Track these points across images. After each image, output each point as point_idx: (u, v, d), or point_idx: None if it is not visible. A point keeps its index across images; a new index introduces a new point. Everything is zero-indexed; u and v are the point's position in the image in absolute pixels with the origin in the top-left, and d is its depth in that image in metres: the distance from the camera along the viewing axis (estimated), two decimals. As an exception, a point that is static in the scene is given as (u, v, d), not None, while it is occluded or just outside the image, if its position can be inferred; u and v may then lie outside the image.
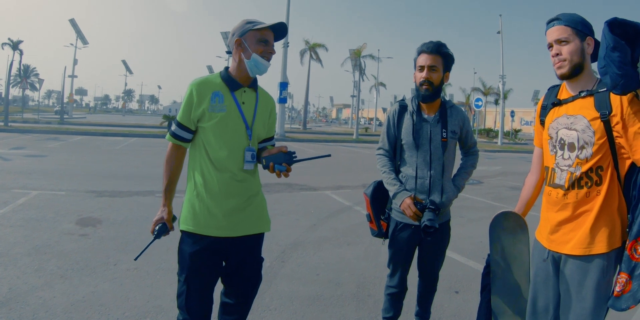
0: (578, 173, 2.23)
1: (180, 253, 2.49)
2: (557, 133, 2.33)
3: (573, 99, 2.30)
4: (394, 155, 3.15)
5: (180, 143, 2.53)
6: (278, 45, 29.61)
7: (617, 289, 2.09)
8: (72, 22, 41.49)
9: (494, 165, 18.01)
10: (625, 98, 2.10)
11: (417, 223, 2.91)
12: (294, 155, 2.49)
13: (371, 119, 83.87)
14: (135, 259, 2.73)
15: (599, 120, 2.16)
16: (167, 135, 2.55)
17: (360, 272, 4.76)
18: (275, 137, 2.78)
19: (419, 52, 3.01)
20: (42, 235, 5.51)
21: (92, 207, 7.18)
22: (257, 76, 2.61)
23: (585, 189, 2.22)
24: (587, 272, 2.20)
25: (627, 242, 2.11)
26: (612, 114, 2.13)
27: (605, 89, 2.16)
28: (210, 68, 68.12)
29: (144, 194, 8.45)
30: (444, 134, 2.99)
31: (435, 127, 3.02)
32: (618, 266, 2.15)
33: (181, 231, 2.51)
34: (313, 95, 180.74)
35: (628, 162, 2.18)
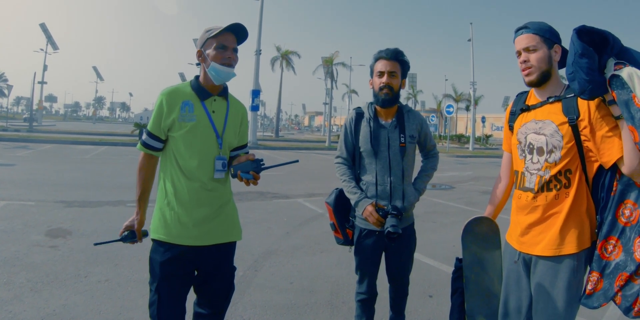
0: (547, 176, 2.29)
1: (151, 262, 2.47)
2: (525, 138, 2.39)
3: (541, 104, 2.37)
4: (353, 163, 3.15)
5: (151, 152, 2.54)
6: (250, 53, 29.76)
7: (589, 287, 2.17)
8: (43, 27, 40.33)
9: (466, 171, 18.23)
10: (592, 103, 2.16)
11: (380, 229, 2.92)
12: (261, 162, 2.50)
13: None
14: (95, 244, 2.86)
15: (567, 124, 2.22)
16: (138, 145, 2.56)
17: (334, 280, 4.80)
18: (248, 144, 2.79)
19: (377, 59, 3.03)
20: (11, 247, 5.39)
21: (62, 218, 7.05)
22: (230, 83, 2.62)
23: (554, 192, 2.28)
24: (558, 272, 2.25)
25: (598, 242, 2.19)
26: (579, 119, 2.19)
27: (573, 94, 2.22)
28: (182, 75, 67.57)
29: (115, 204, 8.34)
30: (402, 139, 3.00)
31: (393, 133, 3.03)
32: (588, 266, 2.22)
33: (152, 240, 2.50)
34: (285, 102, 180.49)
35: (596, 165, 2.23)
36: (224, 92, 2.61)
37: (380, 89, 2.97)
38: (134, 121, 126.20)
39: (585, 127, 2.19)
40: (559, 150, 2.26)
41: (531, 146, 2.36)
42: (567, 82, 2.26)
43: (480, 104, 55.66)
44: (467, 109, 58.32)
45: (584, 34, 2.06)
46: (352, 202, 3.03)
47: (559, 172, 2.27)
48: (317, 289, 4.52)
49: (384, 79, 2.96)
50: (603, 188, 2.24)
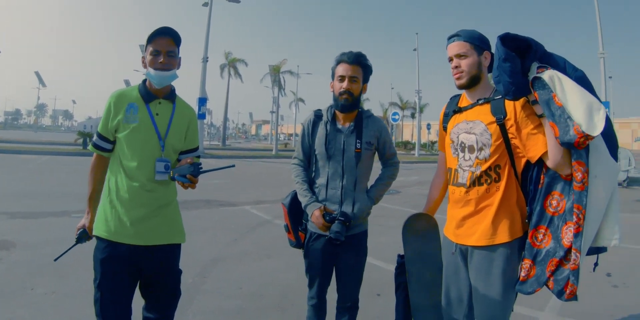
0: (478, 172, 2.46)
1: (94, 259, 2.52)
2: (457, 137, 2.57)
3: (472, 106, 2.56)
4: (309, 165, 3.13)
5: (101, 153, 2.62)
6: (197, 60, 29.32)
7: (523, 274, 2.34)
8: None
9: (412, 176, 18.83)
10: (518, 104, 2.34)
11: (327, 234, 2.89)
12: (199, 166, 2.54)
13: (290, 135, 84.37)
14: (55, 260, 2.77)
15: (495, 124, 2.40)
16: (90, 146, 2.66)
17: (283, 283, 4.92)
18: (199, 148, 2.85)
19: (338, 62, 2.96)
20: None
21: (5, 229, 6.86)
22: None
23: (485, 186, 2.46)
24: (492, 261, 2.41)
25: (528, 232, 2.36)
26: (506, 118, 2.37)
27: (500, 96, 2.40)
28: (127, 82, 65.41)
29: (59, 214, 8.16)
30: (358, 144, 2.94)
31: (349, 138, 2.97)
32: (522, 254, 2.39)
33: (94, 236, 2.57)
34: (233, 111, 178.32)
35: (523, 160, 2.41)
36: (170, 95, 2.67)
37: (340, 94, 2.92)
38: (77, 130, 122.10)
39: (512, 126, 2.36)
40: (488, 148, 2.43)
41: (463, 145, 2.53)
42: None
43: (426, 112, 56.91)
44: (413, 116, 59.58)
45: (508, 40, 2.23)
46: (302, 205, 3.00)
47: (489, 167, 2.44)
48: (266, 293, 4.62)
49: (345, 84, 2.90)
50: (531, 181, 2.41)
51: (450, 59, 2.57)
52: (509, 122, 2.37)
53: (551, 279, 2.27)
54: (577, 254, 2.13)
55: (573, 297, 2.20)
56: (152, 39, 2.53)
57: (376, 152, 3.12)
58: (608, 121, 2.10)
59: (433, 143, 58.70)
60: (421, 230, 2.86)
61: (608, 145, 2.21)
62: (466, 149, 2.52)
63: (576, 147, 2.07)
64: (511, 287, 2.39)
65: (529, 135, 2.31)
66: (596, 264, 2.35)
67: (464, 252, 2.55)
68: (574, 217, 2.15)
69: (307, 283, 3.13)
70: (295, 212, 3.11)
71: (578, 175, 2.14)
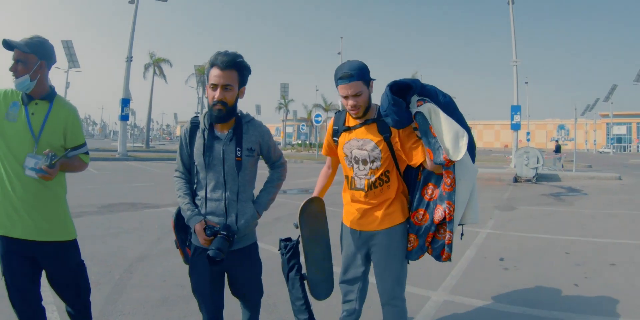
0: (373, 179, 2.98)
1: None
2: (351, 152, 3.02)
3: (360, 126, 3.00)
4: (191, 176, 2.93)
5: None
6: (121, 60, 28.00)
7: (409, 245, 3.05)
8: None
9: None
10: None
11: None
12: (53, 156, 2.65)
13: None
14: None
15: (383, 141, 2.92)
16: None
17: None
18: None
19: (212, 65, 2.66)
20: None
21: None
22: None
23: (379, 188, 3.00)
24: (393, 237, 3.02)
25: (410, 213, 3.05)
26: (392, 136, 2.92)
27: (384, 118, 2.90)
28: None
29: None
30: (238, 152, 2.76)
31: (228, 146, 2.77)
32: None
33: None
34: (156, 112, 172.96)
35: (405, 164, 3.03)
36: (47, 96, 2.80)
37: (213, 104, 2.66)
38: None
39: (396, 142, 2.92)
40: (378, 160, 2.95)
41: (357, 158, 3.00)
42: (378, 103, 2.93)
43: (348, 113, 57.37)
44: (336, 117, 60.13)
45: (394, 85, 2.77)
46: (185, 220, 2.81)
47: (381, 174, 2.98)
48: (187, 284, 4.77)
49: (217, 93, 2.64)
50: (411, 177, 3.08)
51: (345, 97, 2.85)
52: (394, 139, 2.91)
53: (430, 247, 3.04)
54: (450, 234, 2.87)
55: (448, 259, 2.98)
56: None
57: (260, 157, 2.97)
58: (470, 135, 2.76)
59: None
60: (313, 213, 3.26)
61: (471, 153, 2.88)
62: (360, 162, 2.99)
63: (445, 166, 2.74)
64: (405, 256, 3.06)
65: (410, 148, 2.90)
66: (462, 234, 3.10)
67: (367, 237, 3.07)
68: (446, 209, 2.82)
69: (198, 306, 2.93)
70: (182, 227, 2.94)
71: (448, 181, 2.81)
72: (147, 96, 53.10)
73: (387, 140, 2.93)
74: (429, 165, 2.81)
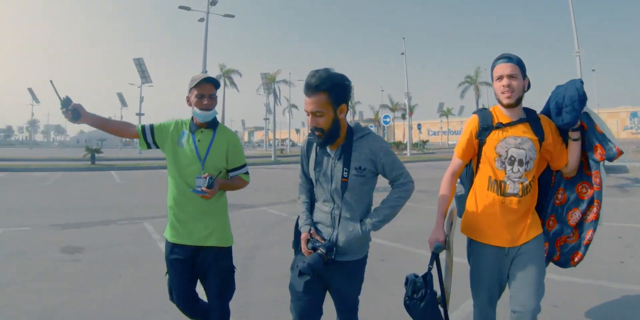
0: (526, 182, 2.76)
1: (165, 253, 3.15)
2: (507, 151, 2.77)
3: (515, 123, 2.80)
4: (311, 185, 2.93)
5: (139, 135, 3.13)
6: (184, 74, 29.88)
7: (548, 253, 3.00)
8: None
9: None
10: (552, 126, 2.83)
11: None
12: (212, 179, 2.93)
13: (283, 140, 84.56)
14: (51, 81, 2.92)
15: (538, 141, 2.77)
16: (139, 125, 3.17)
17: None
18: (245, 165, 3.32)
19: (305, 92, 2.57)
20: (40, 263, 6.17)
21: (66, 237, 7.80)
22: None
23: (530, 193, 2.80)
24: (539, 247, 2.83)
25: (545, 220, 3.00)
26: (545, 137, 2.79)
27: (535, 117, 2.82)
28: (120, 95, 66.02)
29: (105, 223, 9.16)
30: (345, 173, 2.62)
31: (336, 164, 2.66)
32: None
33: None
34: (225, 119, 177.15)
35: (541, 169, 2.95)
36: (211, 124, 3.12)
37: (311, 130, 2.62)
38: (69, 145, 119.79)
39: (549, 144, 2.80)
40: (532, 161, 2.76)
41: (512, 158, 2.75)
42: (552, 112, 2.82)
43: (416, 112, 57.46)
44: (404, 117, 60.17)
45: (581, 83, 2.72)
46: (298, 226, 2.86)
47: (533, 177, 2.80)
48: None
49: (310, 120, 2.57)
50: (542, 182, 3.00)
51: (500, 78, 2.75)
52: (548, 141, 2.79)
53: (558, 253, 2.99)
54: (593, 233, 2.83)
55: (579, 262, 2.92)
56: (197, 84, 2.97)
57: (379, 175, 2.76)
58: None
59: (424, 142, 59.69)
60: (451, 223, 2.99)
61: None
62: (515, 162, 2.74)
63: (608, 160, 2.74)
64: (544, 266, 2.88)
65: (561, 150, 2.84)
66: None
67: (513, 253, 2.81)
68: (594, 208, 2.83)
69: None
70: (299, 231, 2.89)
71: (597, 180, 2.81)
72: (219, 106, 54.50)
73: (542, 140, 2.80)
74: (572, 167, 2.86)
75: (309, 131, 2.67)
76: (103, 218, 9.70)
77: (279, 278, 5.24)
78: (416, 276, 2.74)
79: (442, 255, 2.88)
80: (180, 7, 28.31)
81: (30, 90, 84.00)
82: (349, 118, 2.87)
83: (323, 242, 2.65)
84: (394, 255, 6.68)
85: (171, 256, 3.09)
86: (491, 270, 2.86)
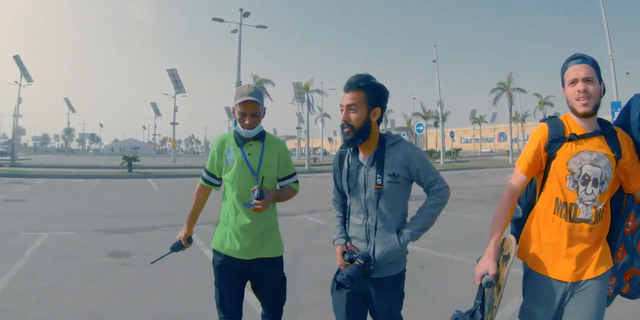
0: (600, 206, 2.30)
1: (213, 264, 3.13)
2: (580, 169, 2.32)
3: (590, 135, 2.35)
4: (344, 199, 2.87)
5: (208, 185, 3.22)
6: (232, 84, 29.74)
7: (610, 290, 2.50)
8: (17, 59, 38.17)
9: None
10: (630, 142, 2.40)
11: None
12: (261, 191, 2.90)
13: (315, 149, 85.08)
14: (152, 263, 3.45)
15: (614, 158, 2.31)
16: (201, 180, 3.25)
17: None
18: (295, 174, 3.31)
19: (345, 85, 2.61)
20: (89, 267, 6.35)
21: (111, 242, 8.03)
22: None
23: (602, 220, 2.34)
24: (605, 284, 2.36)
25: (615, 251, 2.48)
26: (622, 155, 2.33)
27: (610, 129, 2.38)
28: (154, 105, 67.37)
29: (148, 229, 9.37)
30: (379, 180, 2.55)
31: (370, 172, 2.60)
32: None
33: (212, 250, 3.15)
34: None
35: (614, 191, 2.46)
36: (258, 137, 3.08)
37: (342, 127, 2.60)
38: (104, 153, 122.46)
39: (626, 162, 2.34)
40: (607, 182, 2.31)
41: (587, 177, 2.31)
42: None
43: (448, 120, 57.28)
44: (436, 125, 59.98)
45: None
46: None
47: (606, 201, 2.35)
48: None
49: (342, 115, 2.57)
50: (617, 208, 2.49)
51: (574, 82, 2.35)
52: (624, 159, 2.35)
53: (627, 286, 2.54)
54: None
55: None
56: (240, 102, 2.94)
57: (414, 182, 2.67)
58: None
59: (457, 150, 59.27)
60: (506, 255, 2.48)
61: None
62: (590, 182, 2.31)
63: None
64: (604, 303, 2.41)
65: (636, 171, 2.39)
66: None
67: (572, 288, 2.36)
68: None
69: None
70: None
71: None
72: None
73: (619, 158, 2.34)
74: None
75: (341, 133, 2.63)
76: (145, 224, 9.91)
77: (325, 282, 5.14)
78: (465, 313, 2.28)
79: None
80: (214, 19, 28.94)
81: (66, 99, 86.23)
82: (381, 127, 2.81)
83: (359, 253, 2.56)
84: (434, 262, 6.71)
85: (222, 268, 3.08)
86: (548, 308, 2.39)
